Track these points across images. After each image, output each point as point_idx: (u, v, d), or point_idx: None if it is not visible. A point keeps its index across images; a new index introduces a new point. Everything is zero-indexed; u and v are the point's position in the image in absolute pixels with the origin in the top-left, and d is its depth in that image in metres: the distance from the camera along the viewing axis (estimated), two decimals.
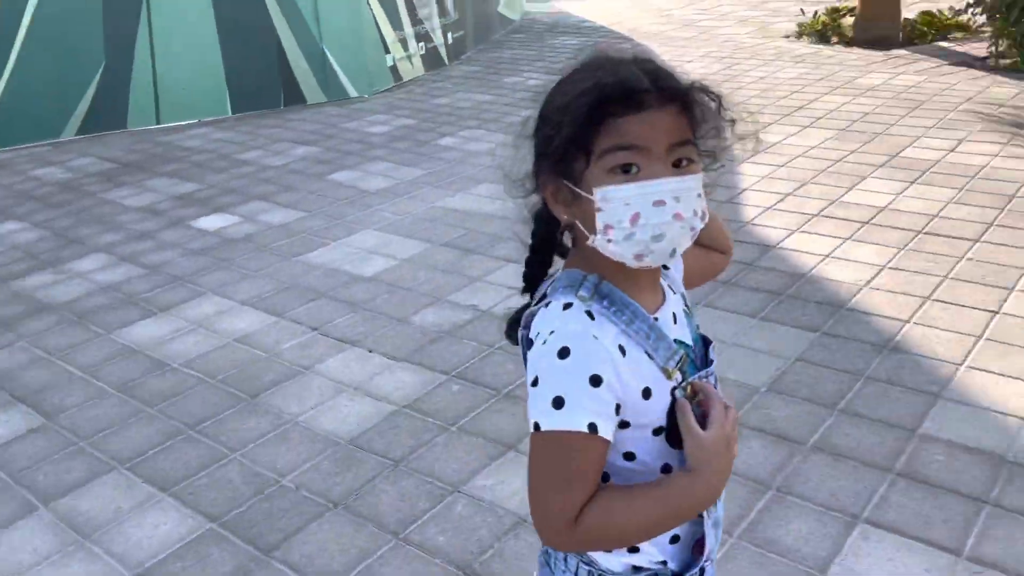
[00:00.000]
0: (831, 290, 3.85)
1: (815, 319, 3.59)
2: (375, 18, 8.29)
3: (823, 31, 9.53)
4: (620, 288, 1.13)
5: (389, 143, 6.64)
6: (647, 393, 1.11)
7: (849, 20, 9.57)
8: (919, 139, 5.85)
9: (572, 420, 1.06)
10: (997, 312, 3.55)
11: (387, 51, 8.52)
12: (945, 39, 8.99)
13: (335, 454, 2.95)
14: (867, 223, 4.51)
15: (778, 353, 3.36)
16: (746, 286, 3.92)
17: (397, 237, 4.78)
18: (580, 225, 1.12)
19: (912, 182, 5.04)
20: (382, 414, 3.16)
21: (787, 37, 9.78)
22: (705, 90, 1.11)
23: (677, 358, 1.14)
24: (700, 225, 1.10)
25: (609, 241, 1.08)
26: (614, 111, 1.06)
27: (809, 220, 4.62)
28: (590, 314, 1.10)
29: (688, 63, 8.74)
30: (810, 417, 2.96)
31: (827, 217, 4.64)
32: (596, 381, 1.07)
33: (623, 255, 1.09)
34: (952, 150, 5.56)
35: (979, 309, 3.59)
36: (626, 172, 1.07)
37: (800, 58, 8.60)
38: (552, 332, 1.10)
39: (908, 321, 3.53)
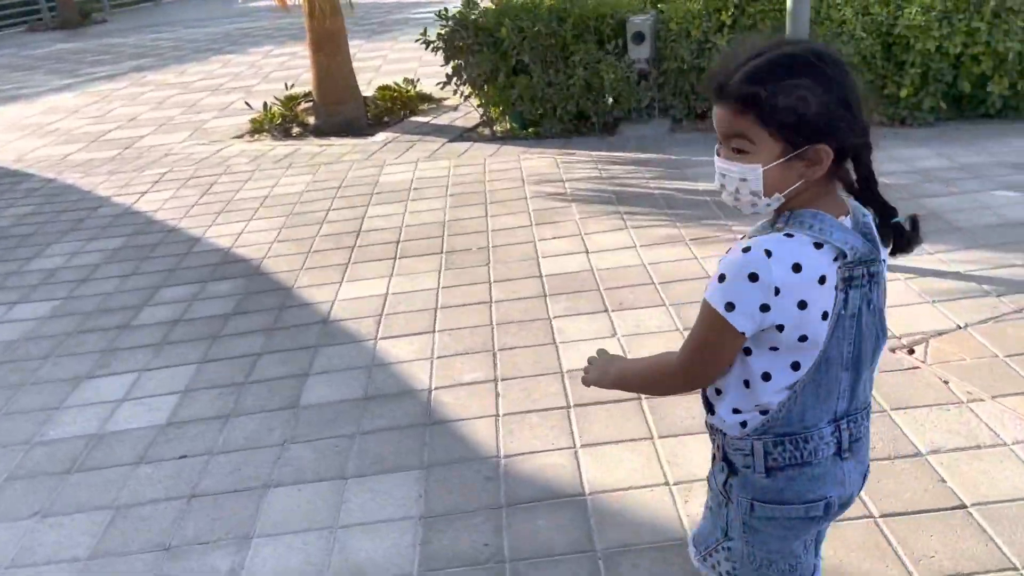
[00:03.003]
0: None
1: None
2: None
3: (283, 123, 7.97)
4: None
5: None
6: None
7: (306, 106, 8.20)
8: (551, 241, 4.68)
9: None
10: None
11: None
12: (413, 113, 8.15)
13: None
14: None
15: None
16: None
17: None
18: None
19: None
20: None
21: (240, 137, 7.98)
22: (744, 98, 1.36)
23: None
24: (749, 203, 1.42)
25: None
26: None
27: None
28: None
29: (141, 195, 6.39)
30: None
31: None
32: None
33: None
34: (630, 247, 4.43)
35: None
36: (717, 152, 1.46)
37: (285, 161, 6.89)
38: None
39: None
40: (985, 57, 5.64)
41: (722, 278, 1.38)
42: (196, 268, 4.87)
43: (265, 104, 8.19)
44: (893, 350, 3.21)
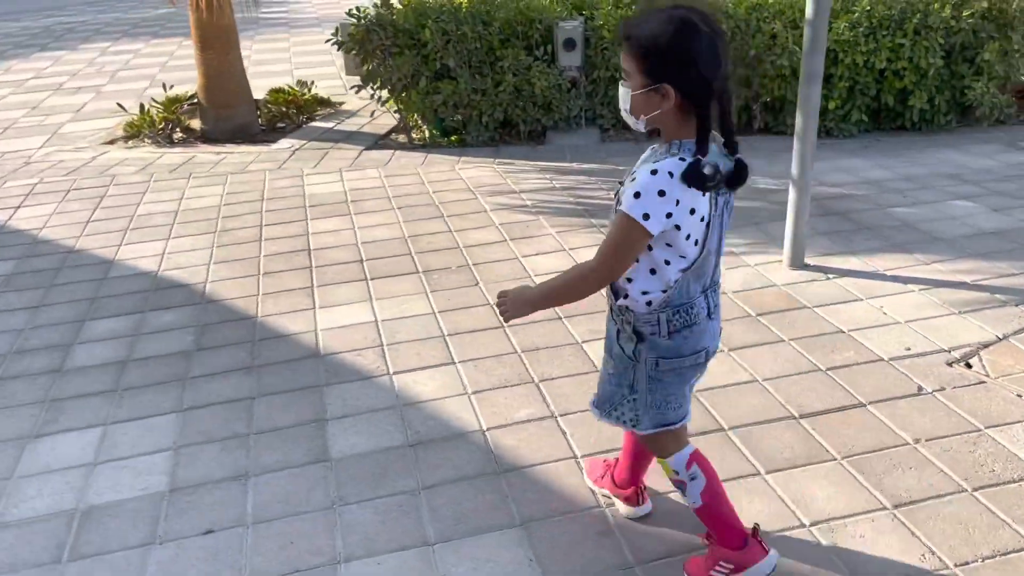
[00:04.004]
0: None
1: None
2: None
3: (165, 129, 7.14)
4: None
5: None
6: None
7: (188, 109, 7.39)
8: (535, 258, 4.33)
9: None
10: None
11: None
12: (311, 118, 7.55)
13: None
14: None
15: None
16: None
17: None
18: None
19: None
20: None
21: (112, 143, 7.07)
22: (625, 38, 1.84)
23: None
24: (630, 118, 1.90)
25: None
26: None
27: None
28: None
29: (14, 210, 5.46)
30: None
31: None
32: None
33: None
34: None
35: None
36: None
37: (183, 171, 6.12)
38: None
39: None
40: (908, 72, 5.90)
41: (637, 195, 1.81)
42: (123, 296, 4.16)
43: (142, 106, 7.30)
44: (950, 364, 3.19)
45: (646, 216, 1.80)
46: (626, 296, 1.99)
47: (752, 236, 4.49)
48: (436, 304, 3.90)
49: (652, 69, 1.79)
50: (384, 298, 3.98)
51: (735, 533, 2.19)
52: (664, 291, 1.93)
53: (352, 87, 6.84)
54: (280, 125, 7.45)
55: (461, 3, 6.51)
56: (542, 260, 4.32)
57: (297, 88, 7.78)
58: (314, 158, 6.36)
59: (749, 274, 4.04)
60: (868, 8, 5.88)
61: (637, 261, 1.92)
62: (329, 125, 7.35)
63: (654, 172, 1.80)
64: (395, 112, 6.88)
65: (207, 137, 7.10)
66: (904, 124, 6.22)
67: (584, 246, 4.46)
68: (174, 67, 10.57)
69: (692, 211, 1.83)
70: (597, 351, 3.40)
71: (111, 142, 7.13)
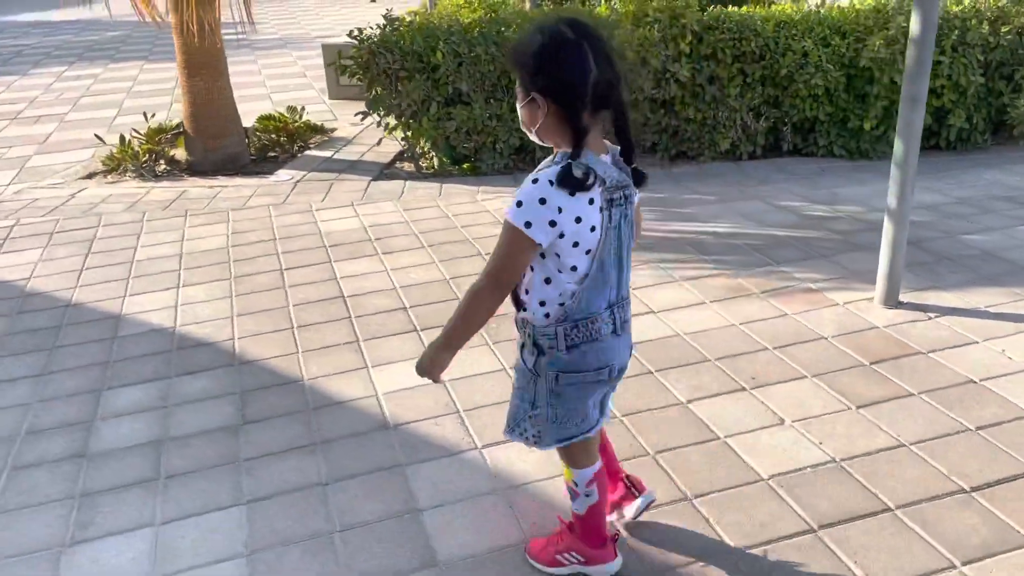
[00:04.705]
0: None
1: None
2: None
3: (149, 161, 6.59)
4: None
5: None
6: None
7: (169, 139, 6.86)
8: None
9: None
10: None
11: None
12: (305, 147, 7.08)
13: None
14: None
15: None
16: None
17: None
18: None
19: None
20: None
21: (90, 177, 6.51)
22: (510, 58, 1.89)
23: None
24: (526, 131, 1.91)
25: None
26: None
27: None
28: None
29: None
30: None
31: None
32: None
33: None
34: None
35: None
36: None
37: (176, 208, 5.60)
38: None
39: None
40: (947, 90, 5.70)
41: (520, 204, 1.82)
42: (141, 359, 3.66)
43: (123, 137, 6.74)
44: None
45: (528, 224, 1.82)
46: (525, 308, 2.01)
47: (826, 270, 4.17)
48: (505, 359, 3.49)
49: (524, 81, 1.85)
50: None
51: (599, 537, 2.28)
52: (562, 303, 1.94)
53: (357, 113, 6.39)
54: (271, 154, 6.97)
55: (468, 24, 6.14)
56: None
57: (287, 114, 7.30)
58: (319, 191, 5.90)
59: (842, 314, 3.71)
60: (904, 25, 5.66)
61: (532, 270, 1.94)
62: (326, 154, 6.88)
63: (535, 181, 1.84)
64: (401, 139, 6.45)
65: (194, 169, 6.58)
66: (939, 143, 6.02)
67: (652, 284, 4.09)
68: (142, 93, 9.99)
69: (578, 219, 1.83)
70: (712, 411, 3.03)
71: (89, 176, 6.57)
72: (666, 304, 3.89)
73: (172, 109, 8.65)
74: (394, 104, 6.09)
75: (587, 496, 2.19)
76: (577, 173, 1.78)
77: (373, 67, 6.04)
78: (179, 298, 4.25)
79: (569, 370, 1.98)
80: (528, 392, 2.06)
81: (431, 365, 2.06)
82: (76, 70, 11.82)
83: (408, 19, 6.27)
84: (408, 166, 6.46)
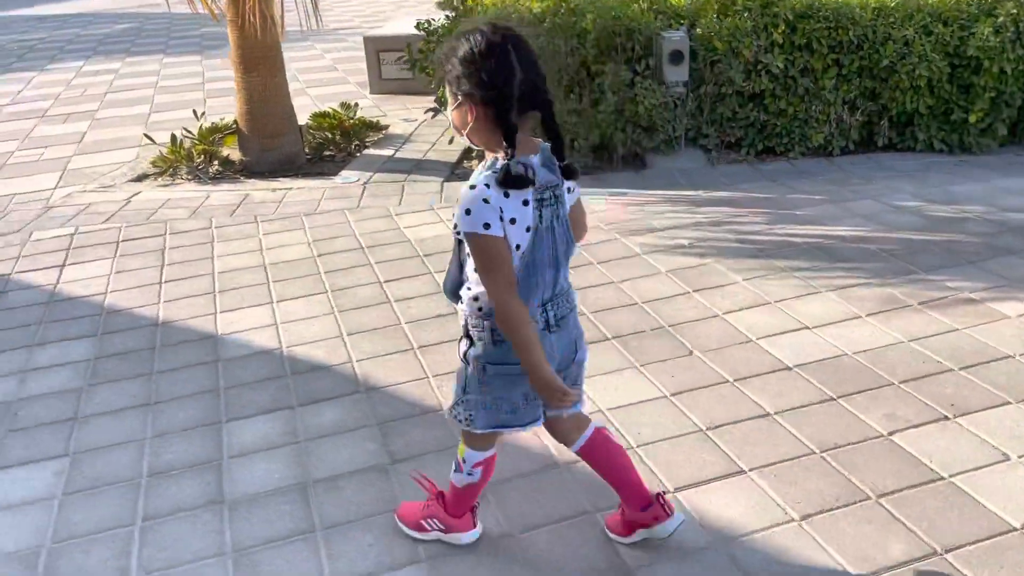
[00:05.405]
0: None
1: None
2: None
3: (204, 162, 6.25)
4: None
5: None
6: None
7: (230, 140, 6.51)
8: (739, 314, 3.61)
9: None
10: None
11: None
12: (362, 145, 6.74)
13: None
14: None
15: None
16: None
17: None
18: None
19: None
20: None
21: (140, 180, 6.15)
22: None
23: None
24: (455, 133, 2.01)
25: None
26: None
27: None
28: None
29: (59, 270, 4.55)
30: None
31: None
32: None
33: None
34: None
35: None
36: None
37: (242, 213, 5.24)
38: None
39: None
40: None
41: (468, 211, 1.86)
42: (255, 387, 3.33)
43: (174, 137, 6.38)
44: None
45: (487, 225, 1.86)
46: (460, 300, 2.07)
47: (980, 278, 3.87)
48: (662, 384, 3.17)
49: (452, 85, 1.91)
50: (594, 375, 3.24)
51: (462, 510, 2.39)
52: None
53: (428, 110, 6.06)
54: (327, 153, 6.62)
55: (537, 13, 5.80)
56: (752, 317, 3.63)
57: (341, 111, 6.95)
58: (392, 193, 5.57)
59: (1022, 329, 3.42)
60: (1015, 11, 5.36)
61: (467, 264, 2.02)
62: (386, 152, 6.54)
63: (472, 187, 1.88)
64: None
65: (250, 170, 6.23)
66: None
67: (793, 296, 3.78)
68: (169, 88, 9.60)
69: (513, 220, 1.89)
70: (922, 444, 2.72)
71: (139, 179, 6.22)
72: (819, 319, 3.58)
73: (207, 105, 8.29)
74: None
75: (469, 475, 2.29)
76: (516, 171, 1.84)
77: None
78: (277, 315, 3.92)
79: (495, 361, 2.05)
80: (461, 377, 2.15)
81: (549, 395, 1.99)
82: (94, 64, 11.41)
83: (480, 9, 5.93)
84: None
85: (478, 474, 2.28)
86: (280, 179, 6.04)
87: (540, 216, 1.92)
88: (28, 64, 11.72)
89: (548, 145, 1.96)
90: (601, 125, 5.69)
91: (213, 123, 6.67)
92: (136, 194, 5.84)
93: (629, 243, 4.50)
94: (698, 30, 5.73)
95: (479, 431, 2.17)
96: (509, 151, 1.85)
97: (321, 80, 9.75)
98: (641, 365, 3.32)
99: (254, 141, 6.25)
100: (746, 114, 5.79)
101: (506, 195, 1.85)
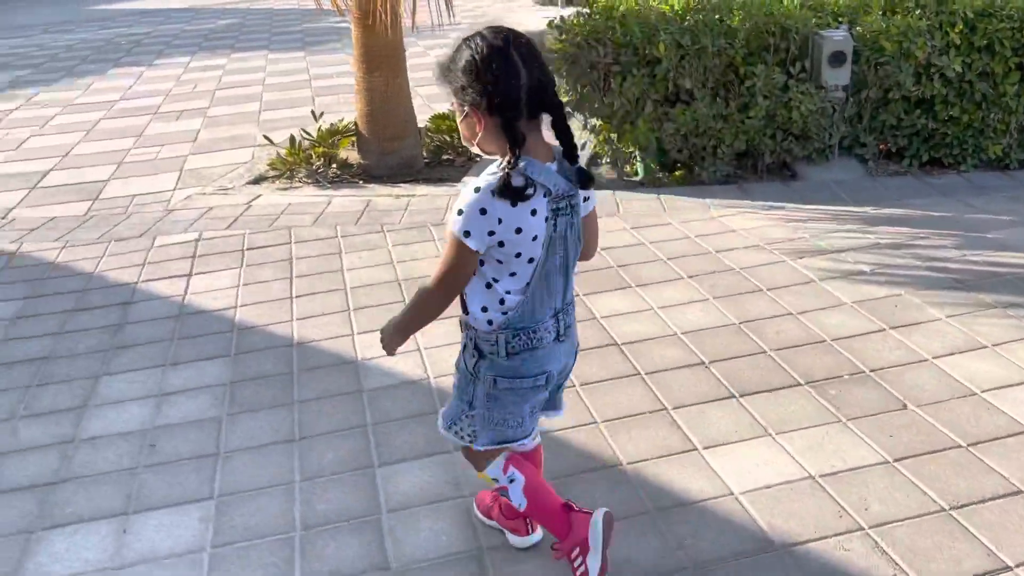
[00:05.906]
0: None
1: None
2: None
3: (322, 165, 6.02)
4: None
5: None
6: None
7: (347, 143, 6.27)
8: (951, 359, 3.15)
9: None
10: None
11: None
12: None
13: None
14: None
15: None
16: None
17: None
18: None
19: None
20: None
21: (257, 183, 5.96)
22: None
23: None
24: (467, 144, 1.92)
25: None
26: None
27: None
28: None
29: (186, 279, 4.35)
30: None
31: None
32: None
33: None
34: None
35: None
36: None
37: (369, 222, 4.96)
38: None
39: None
40: None
41: (460, 212, 1.84)
42: (408, 424, 3.01)
43: (293, 139, 6.17)
44: None
45: (467, 234, 1.84)
46: (468, 312, 2.01)
47: None
48: (875, 443, 2.74)
49: (457, 96, 1.85)
50: (785, 431, 2.82)
51: (553, 514, 2.20)
52: (505, 313, 1.95)
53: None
54: (446, 157, 6.33)
55: (680, 10, 5.36)
56: (971, 364, 3.13)
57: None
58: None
59: None
60: None
61: (474, 275, 1.95)
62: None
63: (476, 190, 1.83)
64: (604, 142, 5.73)
65: (369, 174, 5.97)
66: None
67: (1012, 339, 3.29)
68: (276, 85, 9.46)
69: (518, 230, 1.84)
70: None
71: (256, 181, 6.03)
72: None
73: (316, 104, 8.10)
74: (605, 104, 5.37)
75: (512, 481, 2.17)
76: (516, 183, 1.79)
77: (582, 62, 5.33)
78: (419, 338, 3.61)
79: (507, 375, 2.01)
80: (467, 393, 2.08)
81: (386, 339, 2.08)
82: (200, 60, 11.40)
83: (619, 5, 5.53)
84: (608, 173, 5.75)
85: (517, 472, 2.17)
86: (400, 184, 5.77)
87: (555, 225, 1.90)
88: (135, 59, 11.79)
89: (561, 149, 1.90)
90: (749, 131, 5.23)
91: (332, 124, 6.44)
92: (256, 197, 5.63)
93: (799, 267, 4.05)
94: (858, 28, 5.22)
95: (479, 448, 2.12)
96: (512, 160, 1.79)
97: (427, 79, 9.48)
98: (848, 419, 2.89)
99: (374, 144, 5.98)
100: (912, 121, 5.25)
101: (513, 204, 1.81)
